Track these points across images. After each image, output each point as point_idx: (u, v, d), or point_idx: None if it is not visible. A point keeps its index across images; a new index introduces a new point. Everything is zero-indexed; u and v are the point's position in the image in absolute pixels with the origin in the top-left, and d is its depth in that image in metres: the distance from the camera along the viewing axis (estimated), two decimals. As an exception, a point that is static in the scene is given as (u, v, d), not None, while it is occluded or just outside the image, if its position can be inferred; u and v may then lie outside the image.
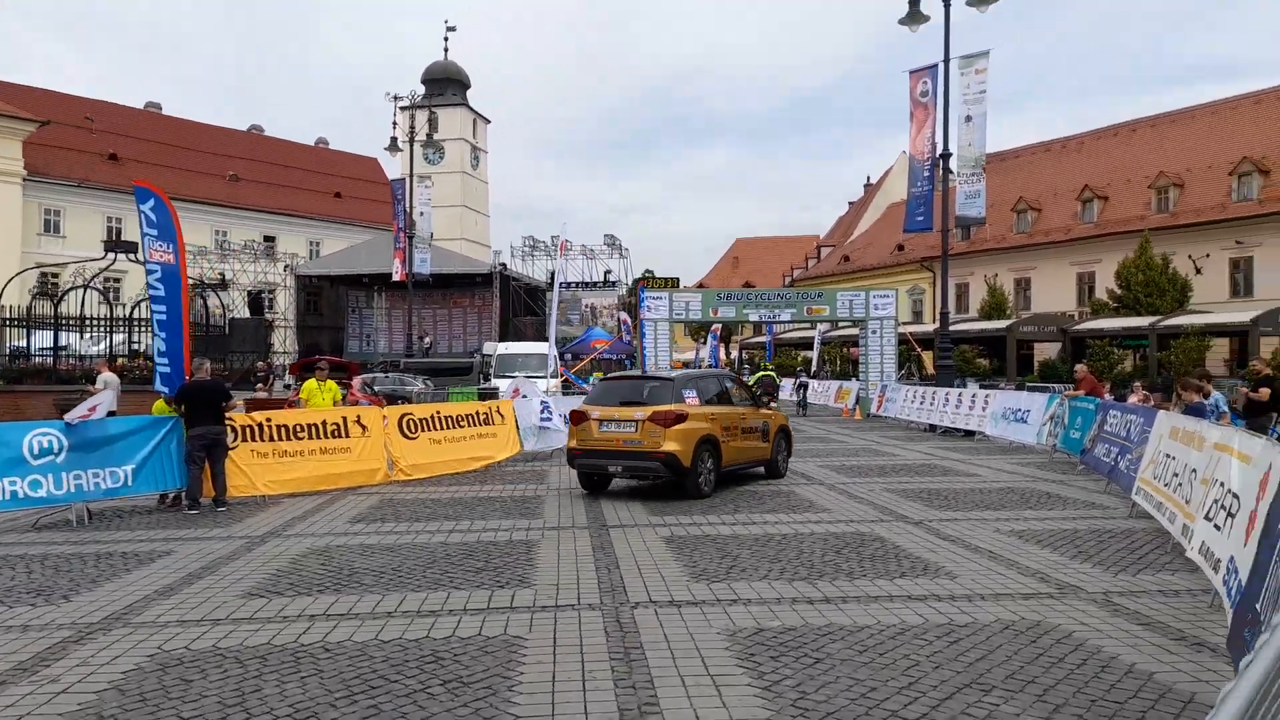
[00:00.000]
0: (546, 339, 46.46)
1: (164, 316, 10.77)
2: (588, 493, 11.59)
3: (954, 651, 4.99)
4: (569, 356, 35.03)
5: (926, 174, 23.03)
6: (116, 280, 50.31)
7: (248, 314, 54.04)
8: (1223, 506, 6.28)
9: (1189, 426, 8.39)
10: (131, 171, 62.45)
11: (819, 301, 27.65)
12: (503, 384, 25.73)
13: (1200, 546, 6.55)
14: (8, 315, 17.87)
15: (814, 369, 43.18)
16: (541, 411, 16.01)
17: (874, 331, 27.67)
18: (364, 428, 12.50)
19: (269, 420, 11.41)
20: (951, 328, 44.19)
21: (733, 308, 27.69)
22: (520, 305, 50.15)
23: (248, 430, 11.12)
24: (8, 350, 17.91)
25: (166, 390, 10.70)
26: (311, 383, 12.59)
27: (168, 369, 10.76)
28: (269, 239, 67.68)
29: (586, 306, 49.33)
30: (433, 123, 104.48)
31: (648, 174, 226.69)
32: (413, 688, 4.45)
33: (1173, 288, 36.66)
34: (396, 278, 37.76)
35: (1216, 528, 6.29)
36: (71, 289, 18.85)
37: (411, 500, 11.04)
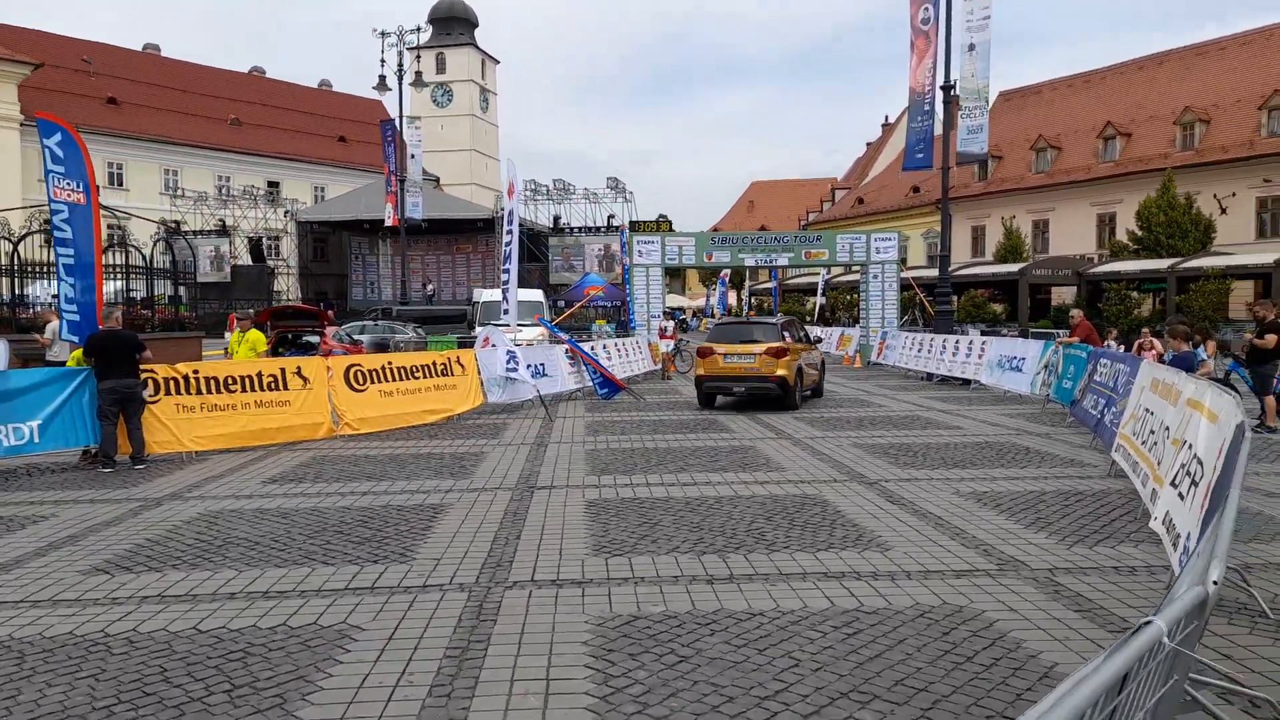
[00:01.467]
0: (548, 285, 45.96)
1: (70, 260, 10.06)
2: (703, 408, 15.34)
3: (846, 648, 4.28)
4: (560, 304, 34.25)
5: (927, 108, 21.76)
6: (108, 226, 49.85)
7: (249, 261, 53.81)
8: (1188, 472, 5.49)
9: (1168, 378, 7.54)
10: (131, 116, 61.70)
11: (817, 245, 26.56)
12: (484, 332, 25.10)
13: (1164, 517, 5.77)
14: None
15: (816, 315, 42.17)
16: (508, 361, 15.31)
17: (875, 276, 26.62)
18: (305, 379, 11.84)
19: (196, 372, 10.77)
20: (963, 271, 43.11)
21: (727, 252, 26.67)
22: (523, 251, 49.16)
23: (172, 383, 10.49)
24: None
25: (75, 339, 10.06)
26: (235, 335, 11.91)
27: (76, 317, 10.10)
28: (273, 184, 66.84)
29: (599, 250, 47.99)
30: (440, 63, 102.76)
31: (666, 119, 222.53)
32: (191, 694, 3.80)
33: (1195, 229, 35.18)
34: (389, 222, 36.92)
35: (1180, 496, 5.51)
36: (28, 234, 18.19)
37: (345, 457, 10.43)
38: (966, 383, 18.99)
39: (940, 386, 19.52)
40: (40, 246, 18.39)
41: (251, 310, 14.58)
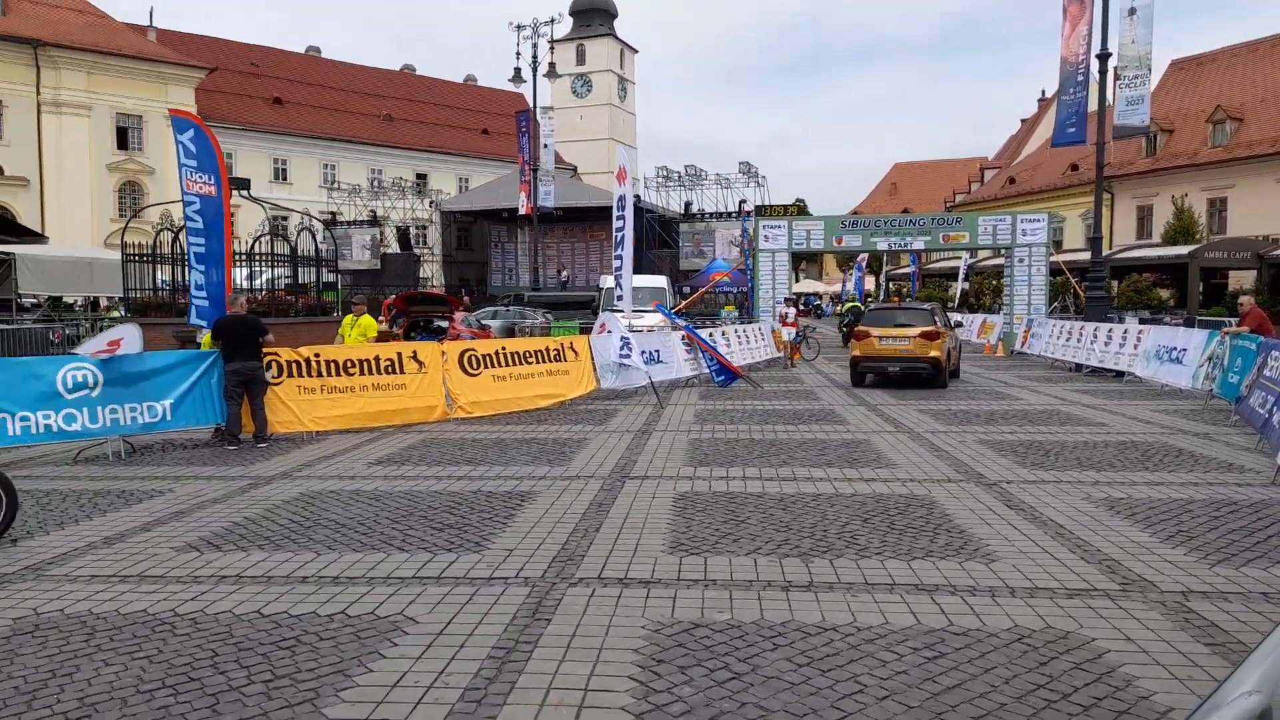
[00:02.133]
0: (678, 270, 45.75)
1: (202, 249, 10.62)
2: (854, 386, 16.58)
3: (922, 674, 3.83)
4: (685, 289, 33.95)
5: (1080, 78, 20.04)
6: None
7: (398, 249, 56.34)
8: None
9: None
10: (294, 115, 65.71)
11: (956, 227, 25.10)
12: (602, 318, 25.15)
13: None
14: (134, 252, 18.77)
15: (959, 300, 40.08)
16: (621, 348, 15.19)
17: (1021, 260, 24.93)
18: (420, 364, 12.10)
19: (317, 356, 11.17)
20: (1125, 254, 39.92)
21: (858, 236, 25.60)
22: (655, 238, 49.21)
23: (294, 365, 10.92)
24: (134, 286, 18.79)
25: (204, 324, 10.62)
26: (349, 318, 12.25)
27: (205, 303, 10.66)
28: (421, 176, 69.73)
29: (733, 235, 47.22)
30: (580, 54, 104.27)
31: (805, 103, 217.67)
32: (233, 682, 3.79)
33: (1405, 204, 31.16)
34: (522, 211, 37.64)
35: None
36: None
37: (453, 440, 10.56)
38: (1120, 375, 17.45)
39: (1090, 379, 18.04)
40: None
41: (361, 296, 15.01)
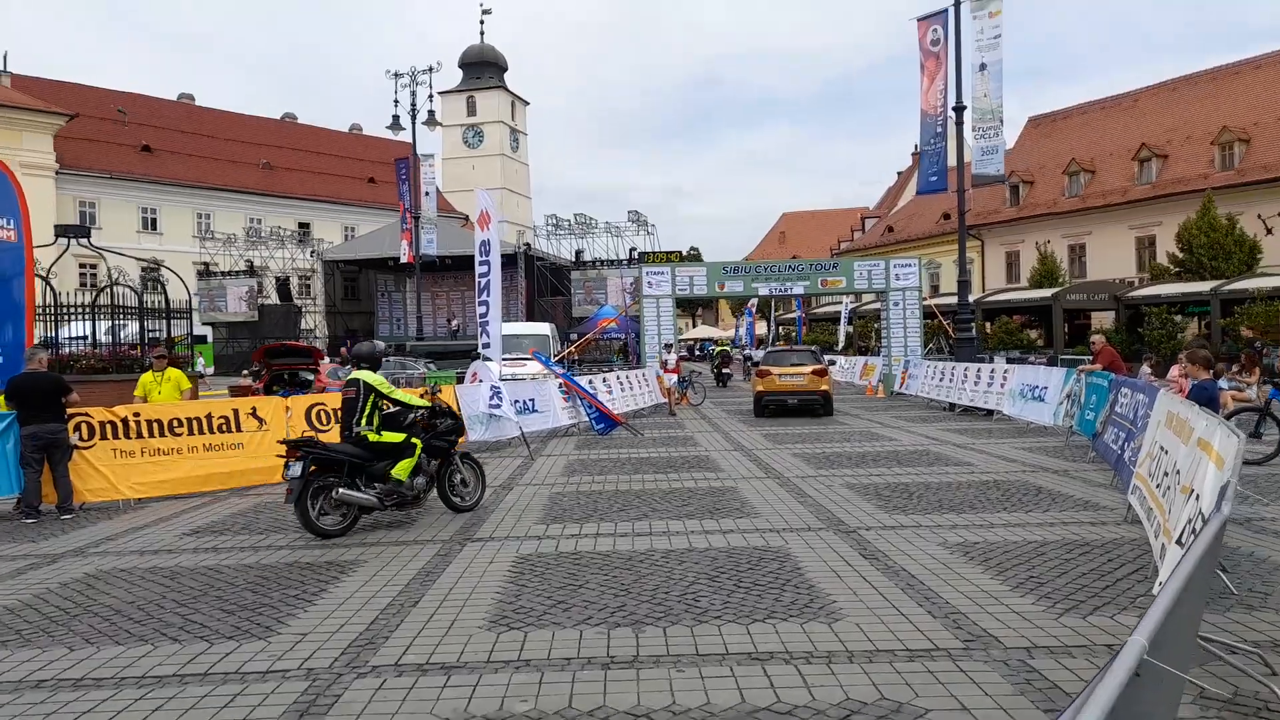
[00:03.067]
0: (571, 318, 45.36)
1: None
2: (757, 416, 18.87)
3: (733, 767, 3.34)
4: (574, 337, 33.54)
5: (939, 130, 20.80)
6: (93, 267, 50.84)
7: (278, 300, 54.10)
8: (1193, 529, 4.48)
9: (1182, 412, 6.49)
10: (164, 162, 62.87)
11: (834, 273, 25.56)
12: (492, 369, 24.42)
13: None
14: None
15: (844, 344, 40.97)
16: (491, 398, 14.54)
17: (895, 304, 25.53)
18: (260, 421, 11.17)
19: (137, 415, 10.14)
20: (995, 297, 41.67)
21: (740, 282, 25.77)
22: (546, 285, 48.79)
23: (109, 426, 9.86)
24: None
25: (-2, 385, 9.51)
26: (147, 376, 11.21)
27: (1, 360, 9.56)
28: (304, 225, 67.54)
29: (626, 283, 47.15)
30: (471, 106, 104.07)
31: (700, 155, 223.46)
32: None
33: (1239, 250, 33.54)
34: (404, 259, 36.65)
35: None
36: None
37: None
38: (990, 413, 17.82)
39: (961, 417, 18.35)
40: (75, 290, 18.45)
41: (164, 346, 13.89)
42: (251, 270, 53.43)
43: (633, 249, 46.58)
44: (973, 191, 52.07)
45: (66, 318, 18.02)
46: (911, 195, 66.29)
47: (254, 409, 11.20)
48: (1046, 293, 35.26)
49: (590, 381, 18.19)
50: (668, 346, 22.44)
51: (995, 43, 19.93)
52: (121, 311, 19.06)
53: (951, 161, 21.03)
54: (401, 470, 8.20)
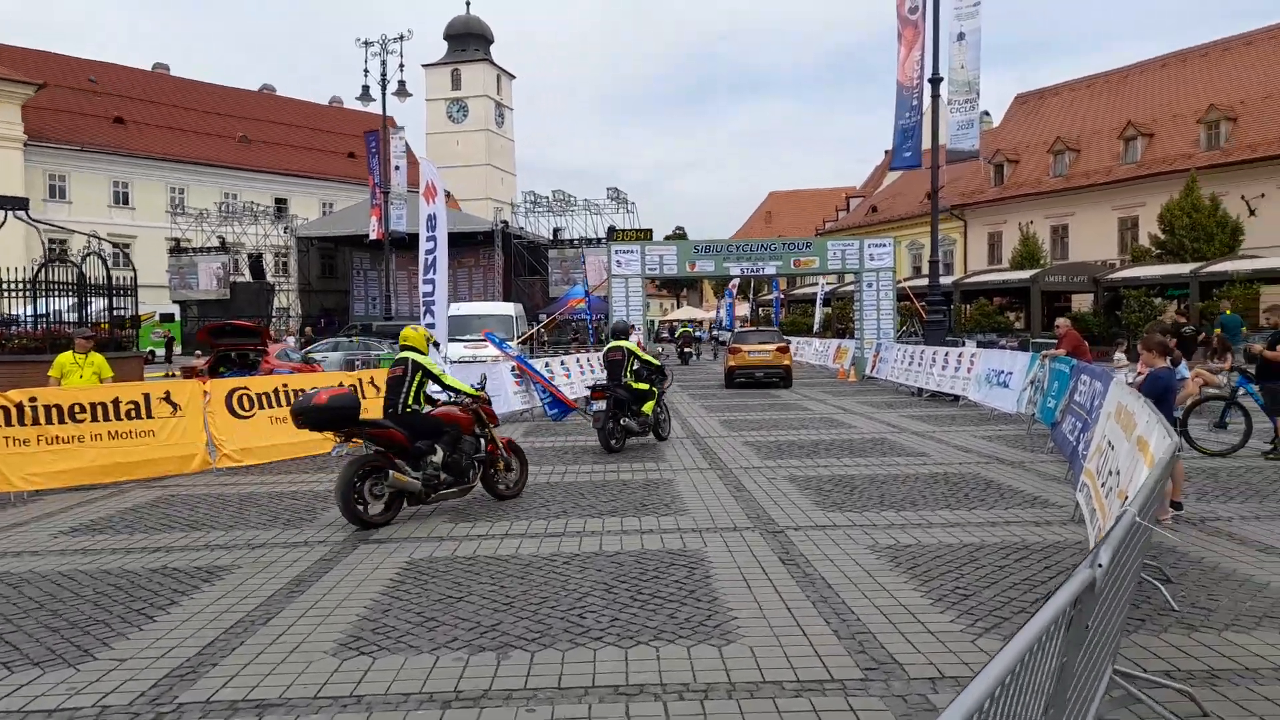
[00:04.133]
0: (547, 298, 44.65)
1: None
2: (727, 387, 21.27)
3: None
4: (542, 317, 32.89)
5: (915, 103, 20.14)
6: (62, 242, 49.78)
7: (250, 278, 53.12)
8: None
9: (1131, 405, 5.94)
10: (137, 134, 61.51)
11: (806, 253, 24.97)
12: (454, 349, 23.76)
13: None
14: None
15: (821, 325, 40.44)
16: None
17: (869, 285, 24.97)
18: (175, 406, 10.52)
19: (33, 400, 9.47)
20: (973, 279, 41.19)
21: (711, 261, 25.14)
22: (524, 264, 48.03)
23: (0, 413, 9.20)
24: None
25: None
26: (65, 356, 10.53)
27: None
28: (280, 201, 66.40)
29: (603, 262, 46.42)
30: (456, 79, 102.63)
31: (691, 134, 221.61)
32: None
33: (1222, 231, 33.17)
34: (373, 236, 35.87)
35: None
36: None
37: (196, 497, 9.07)
38: (957, 399, 17.32)
39: (929, 403, 17.84)
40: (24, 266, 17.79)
41: (90, 329, 13.16)
42: (224, 247, 52.41)
43: (611, 227, 45.84)
44: (957, 170, 51.54)
45: (4, 293, 17.22)
46: (896, 175, 65.62)
47: (168, 393, 10.54)
48: (1025, 274, 34.82)
49: (547, 364, 17.58)
50: (632, 327, 21.78)
51: (974, 11, 19.26)
52: (57, 288, 18.27)
53: (927, 137, 20.38)
54: (649, 408, 11.99)
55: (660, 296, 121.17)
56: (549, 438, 13.49)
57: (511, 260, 48.01)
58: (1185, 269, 30.14)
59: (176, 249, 52.49)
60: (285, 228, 54.28)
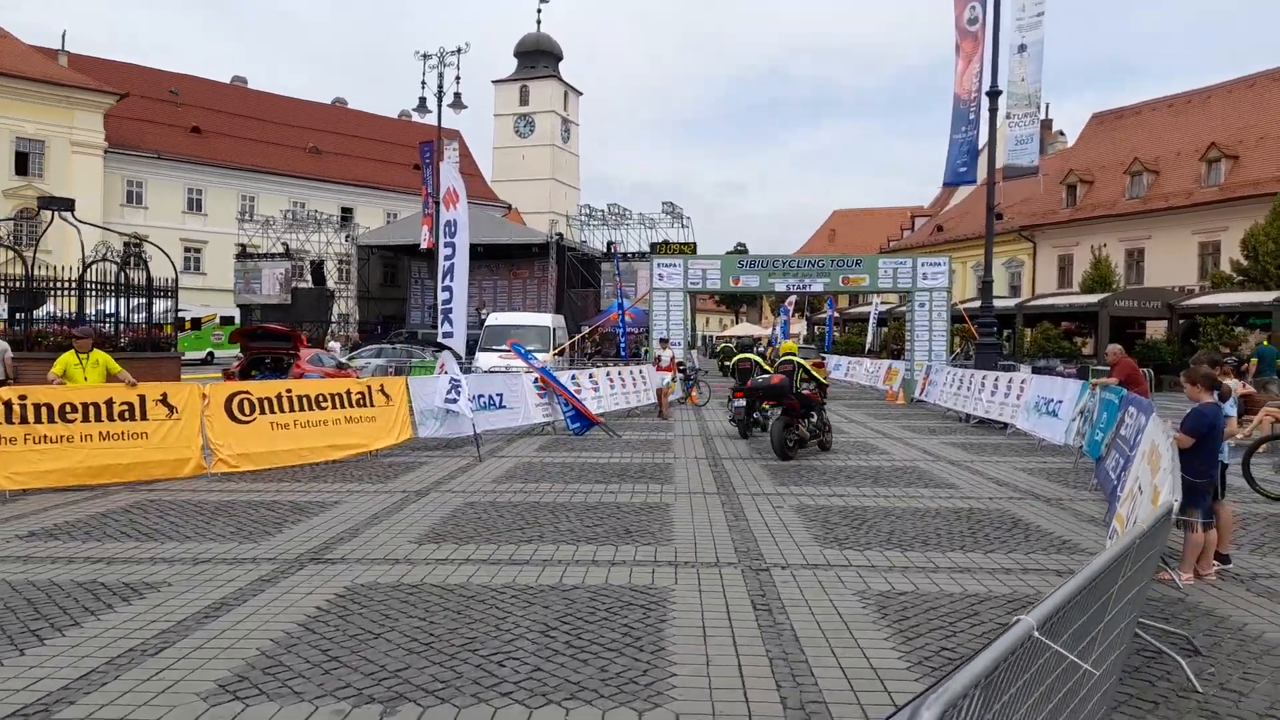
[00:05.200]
0: (599, 311, 44.36)
1: None
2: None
3: None
4: (584, 329, 32.45)
5: (972, 116, 19.17)
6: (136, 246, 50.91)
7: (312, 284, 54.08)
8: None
9: (1161, 445, 5.13)
10: (213, 144, 63.46)
11: (856, 270, 24.03)
12: (487, 359, 23.49)
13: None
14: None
15: (880, 346, 39.20)
16: (449, 391, 13.52)
17: (921, 304, 23.92)
18: (171, 408, 10.30)
19: (22, 398, 9.32)
20: (1038, 301, 39.51)
21: (756, 276, 24.39)
22: (577, 276, 47.88)
23: (-11, 411, 9.06)
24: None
25: None
26: (68, 355, 10.36)
27: None
28: (346, 210, 67.79)
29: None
30: (524, 95, 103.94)
31: (759, 152, 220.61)
32: None
33: (1310, 258, 31.06)
34: (423, 245, 35.98)
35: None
36: (95, 261, 17.65)
37: (174, 504, 8.76)
38: (1005, 427, 16.27)
39: (976, 430, 16.81)
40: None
41: (89, 329, 13.04)
42: (287, 253, 53.49)
43: (665, 242, 45.37)
44: (1026, 190, 49.77)
45: (50, 293, 17.49)
46: (965, 194, 63.79)
47: (164, 395, 10.33)
48: (1093, 298, 33.14)
49: (574, 377, 17.10)
50: (663, 341, 21.21)
51: (1037, 21, 18.27)
52: (99, 288, 18.49)
53: (984, 153, 19.38)
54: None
55: (720, 312, 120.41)
56: (563, 453, 12.97)
57: (565, 272, 47.89)
58: (1268, 296, 28.28)
59: (242, 254, 53.75)
60: (346, 236, 55.15)
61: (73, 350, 10.32)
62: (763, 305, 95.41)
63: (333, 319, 53.08)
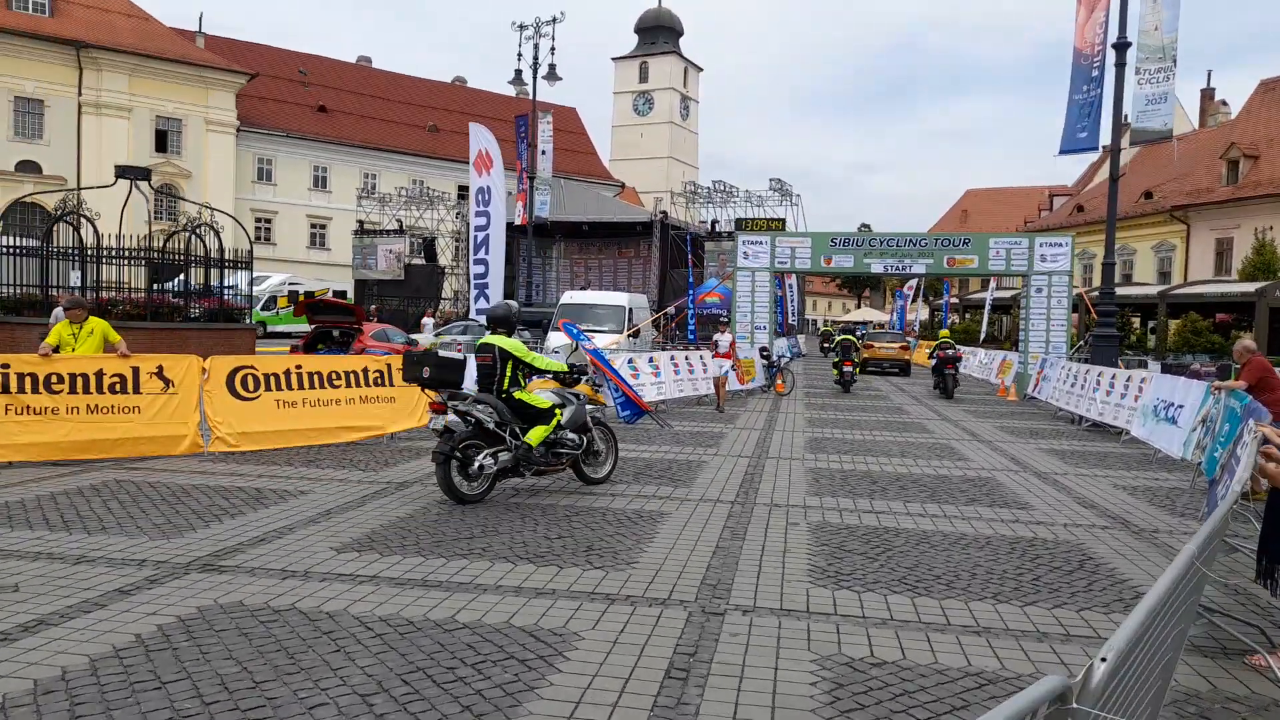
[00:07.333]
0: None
1: None
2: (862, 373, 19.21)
3: None
4: (671, 310, 31.17)
5: (1094, 74, 16.72)
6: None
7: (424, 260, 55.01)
8: None
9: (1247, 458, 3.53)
10: (338, 123, 65.46)
11: (963, 250, 21.78)
12: (557, 338, 22.62)
13: None
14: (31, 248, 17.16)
15: (1002, 334, 36.21)
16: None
17: (1039, 290, 21.48)
18: (167, 382, 9.81)
19: (5, 368, 8.97)
20: (1184, 290, 35.53)
21: (850, 256, 22.48)
22: (680, 254, 46.62)
23: (-30, 379, 8.73)
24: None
25: None
26: (62, 325, 9.93)
27: None
28: (463, 188, 68.64)
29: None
30: (644, 72, 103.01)
31: (890, 130, 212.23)
32: None
33: None
34: (517, 222, 35.56)
35: None
36: (62, 217, 17.82)
37: (144, 485, 8.18)
38: (1121, 433, 14.10)
39: (1087, 435, 14.67)
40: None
41: (77, 295, 12.60)
42: (401, 230, 54.52)
43: (774, 219, 43.44)
44: (1183, 165, 45.08)
45: (110, 260, 17.67)
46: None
47: (160, 368, 9.84)
48: (1250, 286, 29.35)
49: (631, 361, 15.96)
50: (722, 324, 19.59)
51: (1175, -39, 15.68)
52: (168, 258, 18.60)
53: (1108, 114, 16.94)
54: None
55: (842, 296, 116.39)
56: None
57: (668, 251, 46.74)
58: None
59: (360, 230, 55.14)
60: (458, 214, 55.72)
61: (65, 320, 9.94)
62: (885, 290, 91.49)
63: (442, 295, 53.85)
